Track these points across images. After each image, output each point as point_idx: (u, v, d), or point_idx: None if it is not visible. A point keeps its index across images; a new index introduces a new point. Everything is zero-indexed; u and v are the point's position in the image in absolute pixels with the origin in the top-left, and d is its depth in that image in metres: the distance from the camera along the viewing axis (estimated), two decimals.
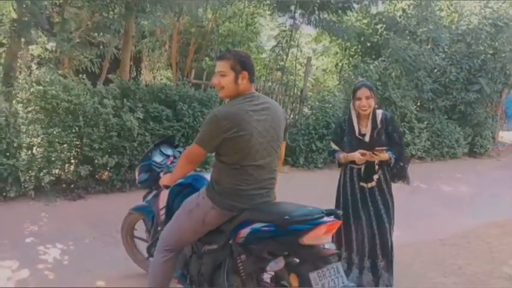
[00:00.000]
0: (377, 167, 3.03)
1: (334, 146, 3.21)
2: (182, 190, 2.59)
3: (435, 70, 9.58)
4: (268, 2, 9.09)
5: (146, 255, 2.99)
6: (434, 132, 8.99)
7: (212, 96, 6.09)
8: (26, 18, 5.02)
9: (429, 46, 9.36)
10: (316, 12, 8.74)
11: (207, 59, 9.87)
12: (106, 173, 5.23)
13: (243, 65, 2.23)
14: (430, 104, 9.42)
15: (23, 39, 5.25)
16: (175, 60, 8.99)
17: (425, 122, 8.88)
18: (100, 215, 4.39)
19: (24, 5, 4.90)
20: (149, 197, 2.92)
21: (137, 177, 3.00)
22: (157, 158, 2.92)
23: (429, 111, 9.44)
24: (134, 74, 9.09)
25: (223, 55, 2.29)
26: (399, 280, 3.29)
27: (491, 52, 9.57)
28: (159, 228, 2.72)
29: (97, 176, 5.16)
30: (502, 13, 9.61)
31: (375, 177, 3.04)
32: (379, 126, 3.00)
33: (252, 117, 2.16)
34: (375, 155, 2.87)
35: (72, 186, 4.95)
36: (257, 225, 2.14)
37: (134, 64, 9.02)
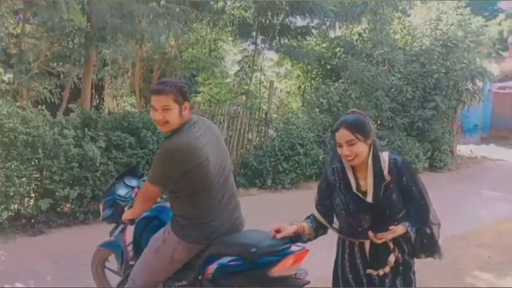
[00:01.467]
0: (391, 244, 1.95)
1: (319, 218, 2.08)
2: (148, 223, 2.53)
3: (393, 90, 9.98)
4: (230, 28, 9.28)
5: None
6: (394, 148, 9.29)
7: None
8: None
9: (385, 67, 9.79)
10: (277, 37, 9.00)
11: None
12: (68, 205, 5.07)
13: (184, 96, 2.17)
14: (389, 122, 9.77)
15: None
16: (138, 87, 8.93)
17: (386, 140, 9.19)
18: (62, 250, 4.23)
19: None
20: (116, 232, 2.83)
21: (101, 214, 2.87)
22: (121, 191, 2.78)
23: (389, 129, 9.78)
24: (97, 101, 8.95)
25: (162, 88, 2.13)
26: None
27: (443, 71, 10.10)
28: (129, 264, 2.64)
29: (58, 209, 4.99)
30: (451, 35, 10.20)
31: (391, 259, 1.96)
32: (387, 179, 1.94)
33: (202, 142, 2.13)
34: (380, 238, 1.85)
35: (32, 221, 4.76)
36: (224, 260, 2.11)
37: (96, 92, 8.90)
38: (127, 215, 2.42)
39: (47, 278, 3.69)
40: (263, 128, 8.41)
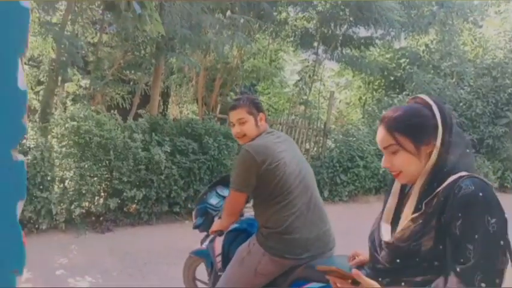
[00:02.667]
0: None
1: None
2: (238, 236, 2.51)
3: (461, 104, 9.51)
4: (292, 39, 9.35)
5: None
6: None
7: None
8: (64, 58, 5.33)
9: (453, 80, 9.36)
10: (339, 47, 8.92)
11: (232, 94, 10.12)
12: (134, 205, 5.33)
13: (258, 107, 2.28)
14: None
15: (60, 78, 5.56)
16: (201, 95, 9.25)
17: None
18: (127, 248, 4.45)
19: (62, 46, 5.21)
20: (207, 241, 2.80)
21: (193, 221, 2.88)
22: (213, 200, 2.79)
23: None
24: (162, 108, 9.38)
25: (236, 104, 2.27)
26: None
27: None
28: (218, 275, 2.60)
29: (125, 209, 5.26)
30: None
31: None
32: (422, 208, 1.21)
33: (280, 148, 2.17)
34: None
35: (101, 218, 5.06)
36: (313, 286, 1.99)
37: (162, 99, 9.33)
38: (214, 226, 2.42)
39: (113, 274, 3.88)
40: (321, 138, 8.34)
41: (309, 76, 9.19)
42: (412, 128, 1.24)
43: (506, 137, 9.44)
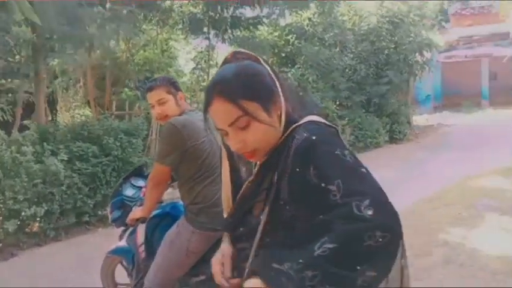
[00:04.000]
0: None
1: None
2: (161, 221, 2.44)
3: (347, 70, 10.25)
4: (181, 26, 9.15)
5: None
6: (355, 126, 9.57)
7: (138, 125, 5.97)
8: None
9: (338, 49, 10.03)
10: (229, 30, 8.97)
11: (126, 89, 9.64)
12: (36, 224, 4.86)
13: (175, 86, 2.27)
14: (348, 102, 10.03)
15: None
16: (92, 95, 8.64)
17: (346, 119, 9.44)
18: (37, 270, 4.07)
19: None
20: (126, 235, 2.67)
21: (109, 216, 2.76)
22: (129, 192, 2.70)
23: (348, 108, 10.05)
24: (51, 117, 8.59)
25: (153, 84, 2.25)
26: None
27: (393, 46, 10.48)
28: (141, 267, 2.51)
29: (26, 229, 4.78)
30: (396, 10, 10.58)
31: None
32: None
33: (202, 125, 2.12)
34: None
35: (1, 244, 4.53)
36: None
37: (49, 106, 8.54)
38: (135, 214, 2.35)
39: None
40: None
41: (205, 61, 9.13)
42: (259, 90, 1.01)
43: (389, 94, 10.44)
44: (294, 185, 0.98)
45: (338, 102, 10.07)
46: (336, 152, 0.92)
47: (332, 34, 9.84)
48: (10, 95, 6.48)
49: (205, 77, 9.23)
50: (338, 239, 0.80)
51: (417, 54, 10.90)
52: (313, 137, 0.96)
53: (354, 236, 0.80)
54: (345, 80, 9.94)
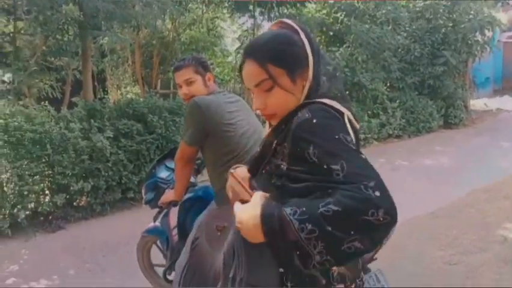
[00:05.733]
0: None
1: None
2: (193, 205, 2.43)
3: (400, 49, 9.69)
4: (227, 4, 9.03)
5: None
6: (407, 109, 9.08)
7: (182, 104, 5.95)
8: None
9: (390, 27, 9.46)
10: (275, 8, 8.72)
11: (172, 68, 9.73)
12: (84, 198, 5.02)
13: (205, 66, 2.21)
14: (399, 83, 9.51)
15: None
16: (140, 74, 8.81)
17: (397, 101, 8.97)
18: (82, 243, 4.20)
19: None
20: (159, 217, 2.67)
21: (143, 198, 2.79)
22: (163, 174, 2.70)
23: (399, 89, 9.54)
24: (101, 95, 8.85)
25: (181, 64, 2.21)
26: (398, 262, 3.24)
27: (450, 25, 9.74)
28: (175, 249, 2.54)
29: (74, 203, 4.94)
30: None
31: None
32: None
33: (232, 108, 2.10)
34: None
35: (50, 217, 4.72)
36: None
37: (99, 84, 8.80)
38: (166, 197, 2.35)
39: (71, 272, 3.65)
40: None
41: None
42: (287, 57, 1.06)
43: (445, 76, 9.77)
44: (293, 162, 1.01)
45: (388, 84, 9.57)
46: (336, 136, 0.95)
47: (384, 11, 9.29)
48: (60, 72, 6.67)
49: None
50: (342, 205, 0.84)
51: (477, 33, 10.08)
52: (314, 120, 0.98)
53: (358, 207, 0.84)
54: (397, 60, 9.40)
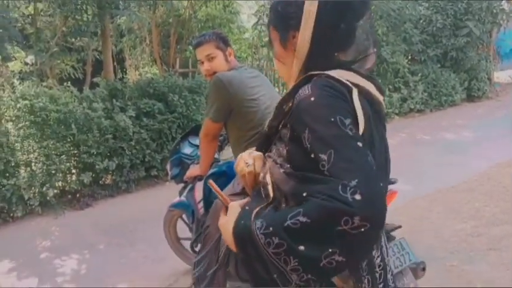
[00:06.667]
0: None
1: None
2: (218, 179, 2.42)
3: (421, 20, 9.42)
4: None
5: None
6: (429, 82, 8.89)
7: (201, 82, 5.98)
8: None
9: None
10: None
11: (190, 47, 9.70)
12: (109, 176, 5.16)
13: (225, 41, 2.21)
14: (421, 56, 9.29)
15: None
16: (157, 53, 8.81)
17: (419, 74, 8.78)
18: (109, 220, 4.34)
19: None
20: (185, 191, 2.76)
21: (169, 173, 2.88)
22: (187, 150, 2.78)
23: (421, 62, 9.32)
24: (120, 75, 8.93)
25: (202, 39, 2.21)
26: (419, 235, 3.26)
27: None
28: (200, 222, 2.63)
29: (100, 182, 5.09)
30: None
31: None
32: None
33: (253, 83, 2.12)
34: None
35: (77, 195, 4.89)
36: None
37: (118, 65, 8.86)
38: (191, 172, 2.43)
39: (100, 247, 3.80)
40: None
41: (267, 15, 8.83)
42: (278, 18, 1.02)
43: (468, 47, 9.48)
44: (292, 147, 0.93)
45: (410, 57, 9.37)
46: (332, 119, 0.84)
47: None
48: (81, 52, 6.74)
49: (268, 31, 8.98)
50: (311, 215, 0.76)
51: (503, 1, 9.69)
52: (312, 98, 0.88)
53: (329, 216, 0.75)
54: (419, 31, 9.14)
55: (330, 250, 0.76)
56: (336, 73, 0.93)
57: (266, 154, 1.06)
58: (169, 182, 5.36)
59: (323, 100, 0.87)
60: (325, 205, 0.75)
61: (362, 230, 0.74)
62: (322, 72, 0.93)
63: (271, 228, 0.80)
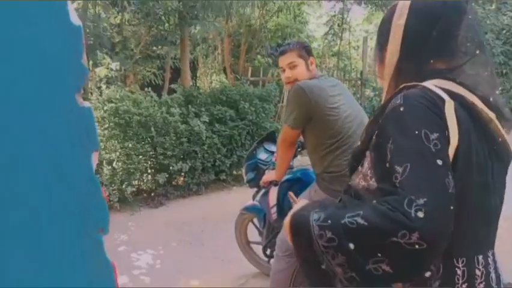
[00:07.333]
0: None
1: None
2: (292, 185, 2.51)
3: (504, 31, 8.86)
4: None
5: (265, 258, 2.97)
6: (510, 97, 8.32)
7: (271, 91, 6.08)
8: (91, 41, 5.32)
9: (493, 6, 8.69)
10: None
11: (258, 57, 9.90)
12: (182, 178, 5.39)
13: (308, 51, 2.24)
14: (503, 68, 8.72)
15: (91, 62, 5.58)
16: (228, 62, 9.10)
17: (500, 88, 8.24)
18: (182, 219, 4.53)
19: (87, 29, 5.19)
20: (258, 196, 2.80)
21: (244, 177, 2.95)
22: (262, 155, 2.84)
23: (503, 75, 8.74)
24: (194, 83, 9.32)
25: (286, 48, 2.25)
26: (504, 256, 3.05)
27: None
28: (272, 227, 2.69)
29: (173, 182, 5.34)
30: None
31: None
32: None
33: (334, 92, 2.13)
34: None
35: (152, 194, 5.16)
36: None
37: (192, 72, 9.25)
38: (267, 177, 2.48)
39: (173, 244, 3.97)
40: (359, 88, 8.05)
41: (338, 25, 8.80)
42: (379, 35, 1.05)
43: None
44: (376, 150, 0.93)
45: None
46: (417, 132, 0.82)
47: None
48: (160, 60, 7.14)
49: (338, 41, 8.92)
50: (370, 219, 0.77)
51: None
52: (402, 108, 0.86)
53: (388, 225, 0.75)
54: (501, 42, 8.61)
55: (379, 255, 0.76)
56: (432, 83, 0.91)
57: (359, 169, 1.04)
58: (236, 186, 5.51)
59: (412, 110, 0.86)
60: (387, 213, 0.76)
61: (417, 247, 0.73)
62: (416, 83, 0.92)
63: (328, 222, 0.84)
